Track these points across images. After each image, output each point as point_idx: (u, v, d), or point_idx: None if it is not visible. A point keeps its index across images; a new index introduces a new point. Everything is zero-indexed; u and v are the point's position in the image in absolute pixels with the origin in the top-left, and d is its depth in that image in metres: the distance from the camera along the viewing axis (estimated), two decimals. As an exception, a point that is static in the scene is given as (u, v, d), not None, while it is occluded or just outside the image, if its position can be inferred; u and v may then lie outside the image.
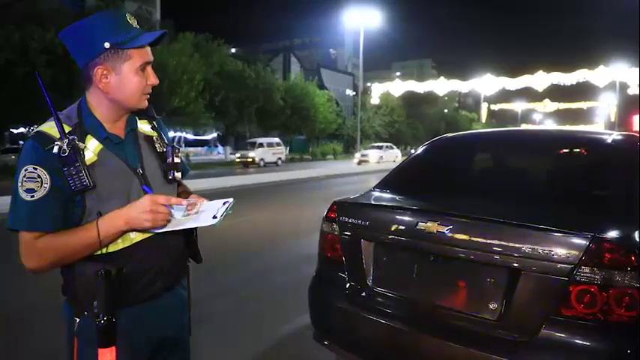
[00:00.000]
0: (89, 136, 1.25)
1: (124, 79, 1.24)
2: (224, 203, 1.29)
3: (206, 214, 1.28)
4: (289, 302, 4.02)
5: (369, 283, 2.20)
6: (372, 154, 30.97)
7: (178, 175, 1.39)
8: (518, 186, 2.36)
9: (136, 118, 1.37)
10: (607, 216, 1.87)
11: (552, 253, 1.69)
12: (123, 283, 1.22)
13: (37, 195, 1.17)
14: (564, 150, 2.57)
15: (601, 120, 63.00)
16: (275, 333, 3.41)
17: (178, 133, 37.55)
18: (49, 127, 1.22)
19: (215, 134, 34.42)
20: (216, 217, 1.24)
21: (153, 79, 1.30)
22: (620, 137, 2.45)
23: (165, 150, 1.38)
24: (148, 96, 1.33)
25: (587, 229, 1.71)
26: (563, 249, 1.68)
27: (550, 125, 65.35)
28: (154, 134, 1.40)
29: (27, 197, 1.17)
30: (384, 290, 2.16)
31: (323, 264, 2.50)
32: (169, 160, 1.37)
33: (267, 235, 7.08)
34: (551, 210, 2.02)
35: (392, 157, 32.20)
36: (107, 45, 1.20)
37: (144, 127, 1.39)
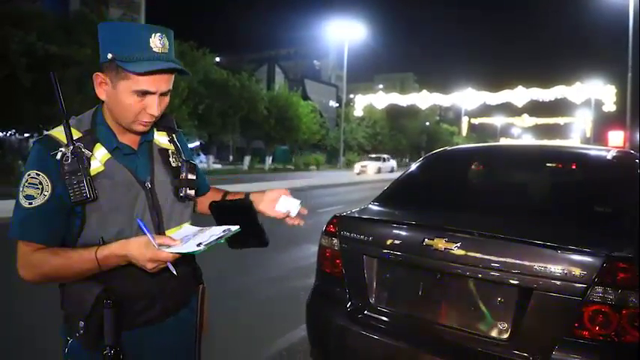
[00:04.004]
0: (98, 145, 1.17)
1: (118, 95, 1.14)
2: (223, 231, 1.16)
3: (195, 240, 1.14)
4: (279, 316, 3.92)
5: (372, 301, 2.13)
6: (371, 166, 32.15)
7: (191, 192, 1.29)
8: (525, 202, 2.33)
9: (154, 129, 1.28)
10: (619, 234, 1.84)
11: (565, 272, 1.66)
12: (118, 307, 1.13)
13: (35, 202, 1.09)
14: (571, 166, 2.55)
15: (577, 135, 64.60)
16: (267, 349, 3.30)
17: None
18: (59, 132, 1.14)
19: (198, 143, 34.06)
20: (200, 245, 1.09)
21: (152, 110, 1.15)
22: (621, 154, 2.46)
23: (179, 165, 1.29)
24: (146, 124, 1.18)
25: (600, 247, 1.68)
26: (577, 268, 1.65)
27: (529, 140, 66.76)
28: (170, 147, 1.31)
29: (25, 204, 1.10)
30: (387, 309, 2.09)
31: (322, 280, 2.42)
32: (183, 176, 1.27)
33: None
34: (561, 227, 1.99)
35: (388, 168, 33.90)
36: (109, 56, 1.11)
37: (160, 139, 1.30)
